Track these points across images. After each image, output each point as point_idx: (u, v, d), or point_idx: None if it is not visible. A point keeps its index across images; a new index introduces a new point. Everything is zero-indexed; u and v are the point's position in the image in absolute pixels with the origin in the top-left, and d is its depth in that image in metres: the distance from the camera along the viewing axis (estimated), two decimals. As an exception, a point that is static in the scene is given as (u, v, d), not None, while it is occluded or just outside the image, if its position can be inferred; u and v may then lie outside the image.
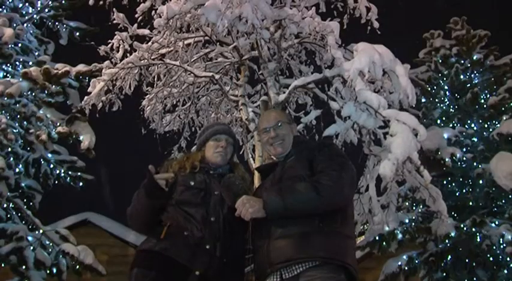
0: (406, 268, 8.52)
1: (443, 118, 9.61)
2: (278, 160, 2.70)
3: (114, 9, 5.28)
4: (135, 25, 5.31)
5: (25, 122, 7.59)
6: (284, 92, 5.03)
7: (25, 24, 8.57)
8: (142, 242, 2.65)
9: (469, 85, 9.65)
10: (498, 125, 8.77)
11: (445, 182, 8.86)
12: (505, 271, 8.08)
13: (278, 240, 2.29)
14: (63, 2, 8.98)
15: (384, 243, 8.40)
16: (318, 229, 2.26)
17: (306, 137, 2.65)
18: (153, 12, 5.14)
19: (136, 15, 5.25)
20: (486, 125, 9.32)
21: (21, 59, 8.38)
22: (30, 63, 8.04)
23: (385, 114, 4.12)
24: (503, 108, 9.01)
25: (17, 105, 7.28)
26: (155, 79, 5.85)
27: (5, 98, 6.70)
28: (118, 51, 5.38)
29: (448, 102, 9.74)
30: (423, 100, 9.62)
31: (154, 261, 2.49)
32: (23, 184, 8.13)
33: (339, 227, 2.32)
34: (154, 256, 2.49)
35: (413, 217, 8.48)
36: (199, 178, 2.70)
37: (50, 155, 8.38)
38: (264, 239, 2.35)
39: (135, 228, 2.84)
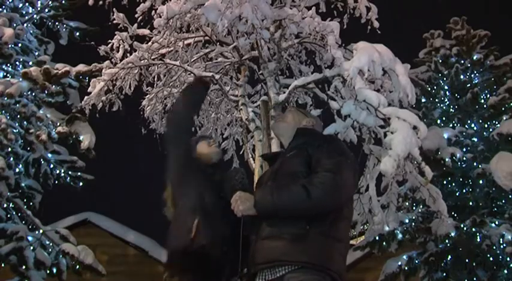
0: (406, 268, 8.52)
1: (443, 118, 9.61)
2: (280, 150, 2.71)
3: (114, 9, 5.27)
4: (135, 25, 5.31)
5: (25, 122, 7.60)
6: (284, 92, 5.02)
7: (25, 24, 8.57)
8: (171, 240, 2.62)
9: (469, 85, 9.65)
10: (498, 125, 8.76)
11: (445, 182, 8.86)
12: (505, 271, 8.08)
13: (264, 241, 2.27)
14: (63, 2, 8.99)
15: (384, 243, 8.40)
16: (304, 232, 2.20)
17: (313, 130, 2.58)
18: (153, 12, 5.14)
19: (136, 15, 5.25)
20: (486, 125, 9.32)
21: (21, 59, 8.38)
22: (30, 63, 8.05)
23: (385, 112, 4.11)
24: (503, 108, 9.00)
25: (17, 105, 7.29)
26: (155, 79, 5.85)
27: (5, 98, 6.70)
28: (118, 51, 5.38)
29: (448, 102, 9.74)
30: (423, 100, 9.62)
31: (190, 261, 2.49)
32: (23, 184, 8.13)
33: (327, 230, 2.23)
34: (191, 256, 2.49)
35: (413, 217, 8.48)
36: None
37: (50, 155, 8.38)
38: (254, 238, 2.35)
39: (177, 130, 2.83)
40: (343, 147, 2.50)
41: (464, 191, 8.96)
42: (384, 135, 4.46)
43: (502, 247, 8.01)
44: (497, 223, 8.22)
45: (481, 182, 8.65)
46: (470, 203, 8.77)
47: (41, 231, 7.51)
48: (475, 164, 8.77)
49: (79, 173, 8.48)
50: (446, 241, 7.99)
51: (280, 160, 2.54)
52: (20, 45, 8.53)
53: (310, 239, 2.20)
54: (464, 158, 8.66)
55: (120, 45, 5.38)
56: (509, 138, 8.05)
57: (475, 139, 9.19)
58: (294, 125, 2.68)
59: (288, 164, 2.44)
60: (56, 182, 8.53)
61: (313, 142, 2.49)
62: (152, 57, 5.37)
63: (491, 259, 8.15)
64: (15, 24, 8.07)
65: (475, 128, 9.33)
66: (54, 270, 7.41)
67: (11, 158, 7.73)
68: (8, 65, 8.17)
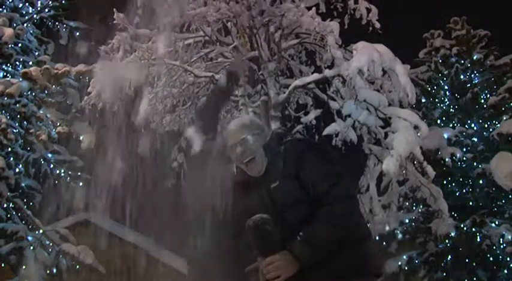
0: (406, 268, 8.52)
1: (443, 118, 9.62)
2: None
3: (114, 9, 5.27)
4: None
5: (25, 122, 7.59)
6: (284, 92, 5.03)
7: (25, 24, 8.55)
8: None
9: (469, 85, 9.66)
10: (498, 125, 8.77)
11: (445, 182, 8.86)
12: (505, 271, 8.09)
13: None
14: (63, 2, 8.98)
15: (384, 243, 8.40)
16: (350, 251, 2.12)
17: (273, 139, 2.18)
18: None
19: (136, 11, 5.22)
20: (486, 125, 9.33)
21: (21, 59, 8.36)
22: (30, 63, 8.03)
23: (385, 112, 4.12)
24: (503, 108, 9.02)
25: (17, 105, 7.27)
26: (155, 79, 5.84)
27: (5, 98, 6.69)
28: (118, 51, 5.38)
29: (448, 102, 9.75)
30: (423, 100, 9.63)
31: None
32: (23, 184, 8.11)
33: (365, 238, 2.19)
34: None
35: (414, 217, 8.49)
36: None
37: (50, 155, 8.36)
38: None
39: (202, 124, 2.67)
40: (322, 151, 2.29)
41: (464, 191, 8.96)
42: (384, 135, 4.47)
43: (502, 247, 8.02)
44: (497, 223, 8.23)
45: (481, 182, 8.66)
46: (470, 203, 8.78)
47: (41, 231, 7.49)
48: (475, 164, 8.78)
49: (79, 173, 8.47)
50: (446, 241, 7.99)
51: (263, 188, 2.24)
52: (20, 45, 8.50)
53: (361, 254, 2.14)
54: (464, 158, 8.67)
55: (120, 45, 5.38)
56: (509, 138, 8.06)
57: (475, 139, 9.20)
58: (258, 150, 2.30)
59: (283, 196, 2.19)
60: (56, 182, 8.51)
61: (289, 159, 2.22)
62: (152, 57, 5.37)
63: (491, 259, 8.16)
64: (15, 24, 8.05)
65: (475, 128, 9.33)
66: (54, 270, 7.40)
67: (11, 158, 7.72)
68: (8, 65, 8.15)
